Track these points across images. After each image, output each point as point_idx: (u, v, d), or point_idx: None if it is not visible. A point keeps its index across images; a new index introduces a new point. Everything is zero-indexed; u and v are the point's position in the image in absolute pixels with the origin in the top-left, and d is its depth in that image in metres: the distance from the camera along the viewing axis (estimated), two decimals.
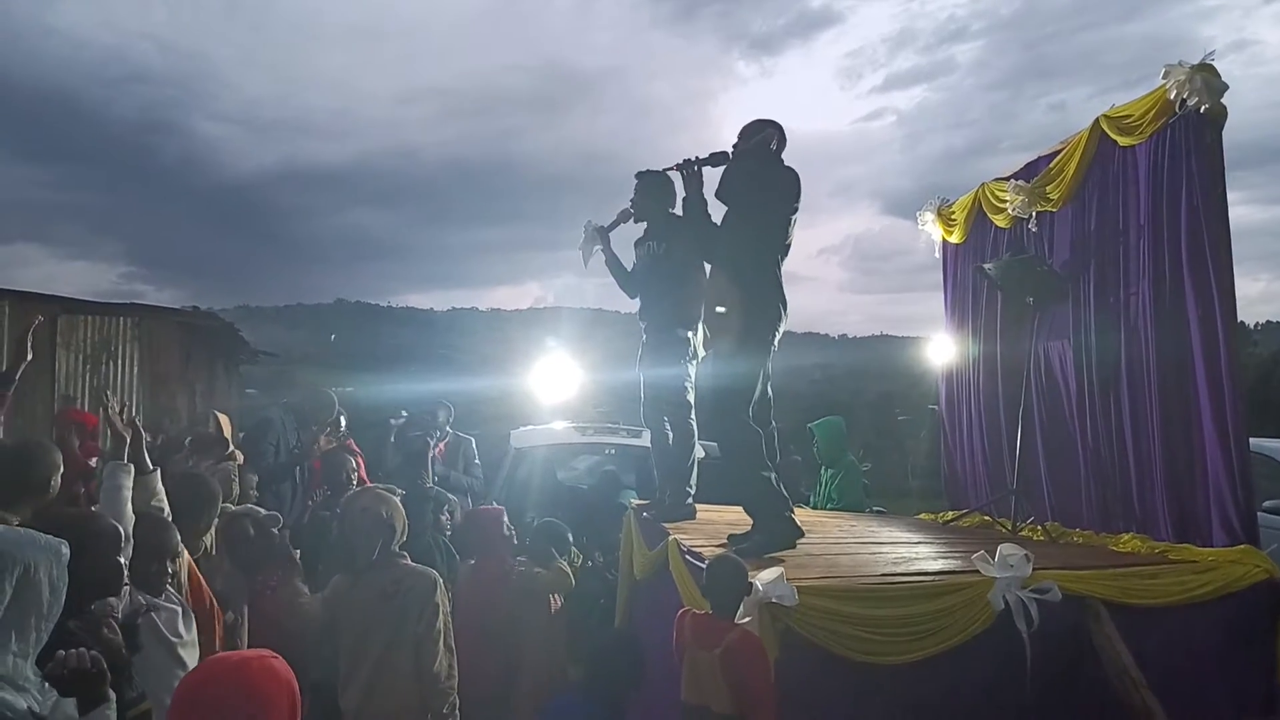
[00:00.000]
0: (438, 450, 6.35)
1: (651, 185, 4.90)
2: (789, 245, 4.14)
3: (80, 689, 1.85)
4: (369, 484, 4.72)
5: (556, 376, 8.56)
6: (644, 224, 4.99)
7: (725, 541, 3.94)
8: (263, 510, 3.99)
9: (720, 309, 4.11)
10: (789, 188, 4.11)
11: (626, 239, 5.06)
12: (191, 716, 1.73)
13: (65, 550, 1.98)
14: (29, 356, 4.11)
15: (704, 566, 3.31)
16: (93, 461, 5.93)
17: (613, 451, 7.42)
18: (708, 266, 4.57)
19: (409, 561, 3.68)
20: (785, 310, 4.08)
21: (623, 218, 5.01)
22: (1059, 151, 5.15)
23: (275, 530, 3.87)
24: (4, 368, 4.19)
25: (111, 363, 13.86)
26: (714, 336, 4.21)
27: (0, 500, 2.90)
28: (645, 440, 5.68)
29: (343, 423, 6.08)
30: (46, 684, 1.88)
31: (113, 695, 1.95)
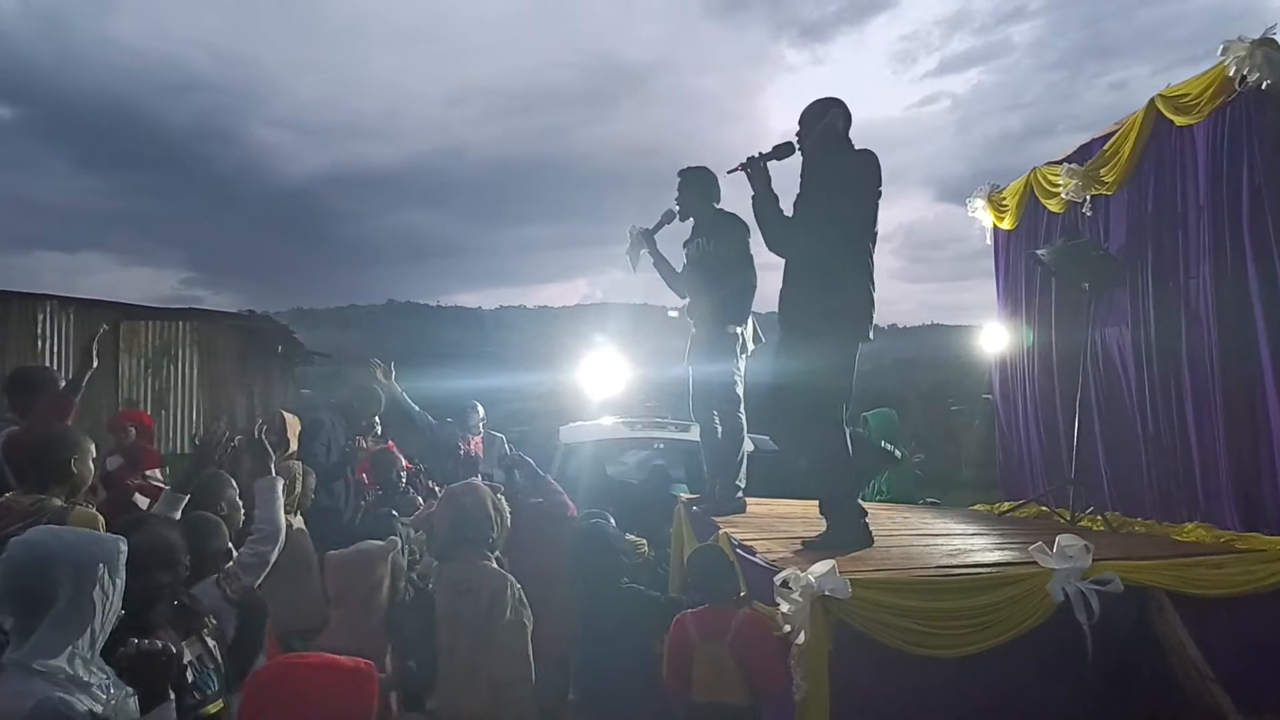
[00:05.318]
0: (475, 448, 6.43)
1: (694, 182, 4.89)
2: (877, 233, 3.95)
3: (148, 677, 1.91)
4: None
5: (605, 372, 8.61)
6: (689, 222, 4.98)
7: (792, 534, 3.94)
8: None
9: (808, 306, 3.90)
10: (871, 172, 3.89)
11: (675, 237, 5.06)
12: (263, 714, 1.77)
13: (124, 547, 2.05)
14: (94, 364, 4.24)
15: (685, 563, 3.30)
16: (154, 473, 6.12)
17: (661, 446, 7.44)
18: (772, 259, 4.41)
19: (489, 563, 3.59)
20: (873, 305, 3.91)
21: (667, 218, 5.00)
22: (1113, 133, 5.04)
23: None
24: (71, 375, 4.33)
25: (172, 366, 14.29)
26: (799, 335, 3.95)
27: (34, 484, 3.01)
28: (694, 435, 5.68)
29: (378, 424, 6.19)
30: (109, 683, 1.94)
31: (172, 695, 2.01)
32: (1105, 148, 5.08)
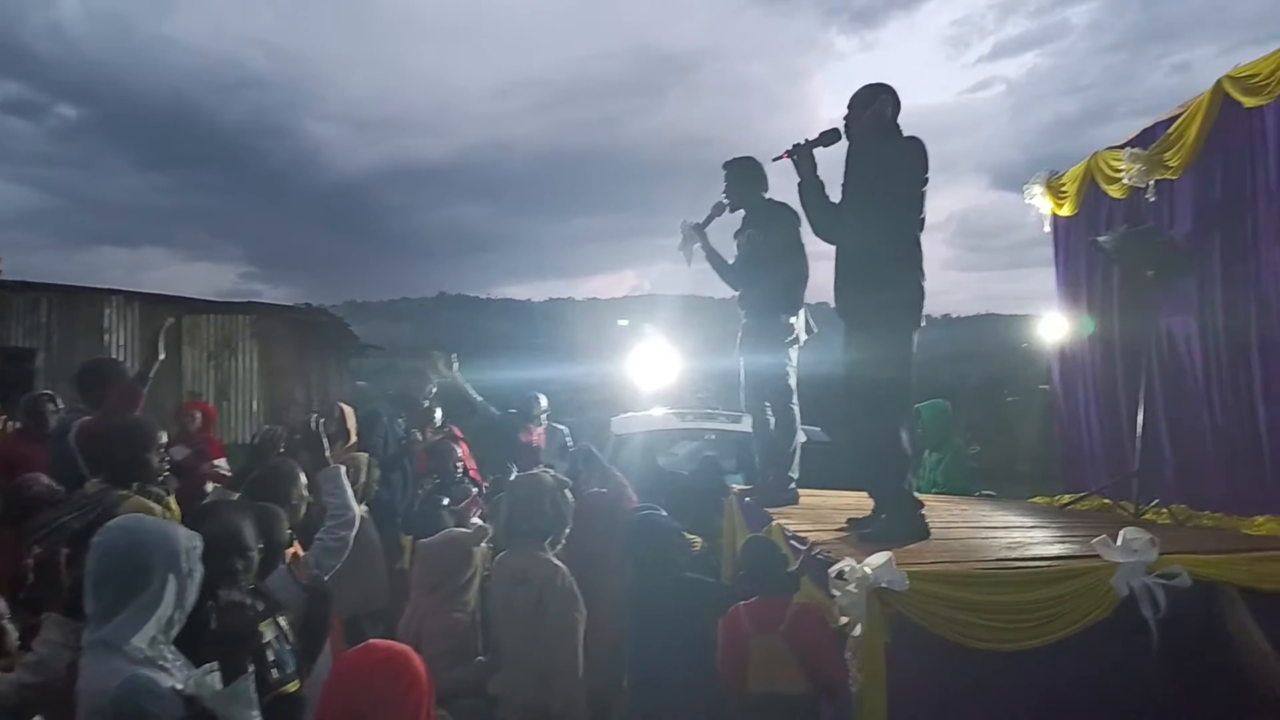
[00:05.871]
0: (538, 439, 6.49)
1: (742, 172, 4.87)
2: (924, 220, 3.91)
3: (234, 627, 1.98)
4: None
5: (655, 363, 8.62)
6: (740, 213, 4.95)
7: (845, 525, 3.92)
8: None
9: (864, 297, 3.88)
10: (917, 160, 3.85)
11: (726, 228, 5.04)
12: (344, 694, 1.83)
13: (199, 544, 2.12)
14: (161, 356, 4.36)
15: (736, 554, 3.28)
16: (220, 462, 6.31)
17: (712, 437, 7.45)
18: (824, 249, 4.40)
19: (545, 554, 3.62)
20: (924, 293, 3.87)
21: (717, 211, 4.98)
22: (1178, 116, 4.90)
23: None
24: (138, 367, 4.46)
25: (232, 359, 14.67)
26: (858, 326, 3.92)
27: (106, 474, 3.11)
28: (745, 425, 5.67)
29: (437, 415, 6.28)
30: (182, 664, 2.02)
31: (251, 667, 2.08)
32: (1170, 131, 4.94)
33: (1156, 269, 4.96)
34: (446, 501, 5.09)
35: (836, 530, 3.95)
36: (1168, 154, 4.93)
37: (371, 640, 2.02)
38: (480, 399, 6.54)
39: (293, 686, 2.48)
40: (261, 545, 2.61)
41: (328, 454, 3.44)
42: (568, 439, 6.73)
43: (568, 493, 3.80)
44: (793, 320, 4.74)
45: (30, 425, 5.24)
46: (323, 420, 3.52)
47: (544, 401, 6.86)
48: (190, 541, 2.09)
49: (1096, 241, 5.35)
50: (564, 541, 3.77)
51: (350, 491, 3.23)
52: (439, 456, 5.54)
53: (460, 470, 5.56)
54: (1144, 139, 5.20)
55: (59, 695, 2.10)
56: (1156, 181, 5.07)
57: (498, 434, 6.57)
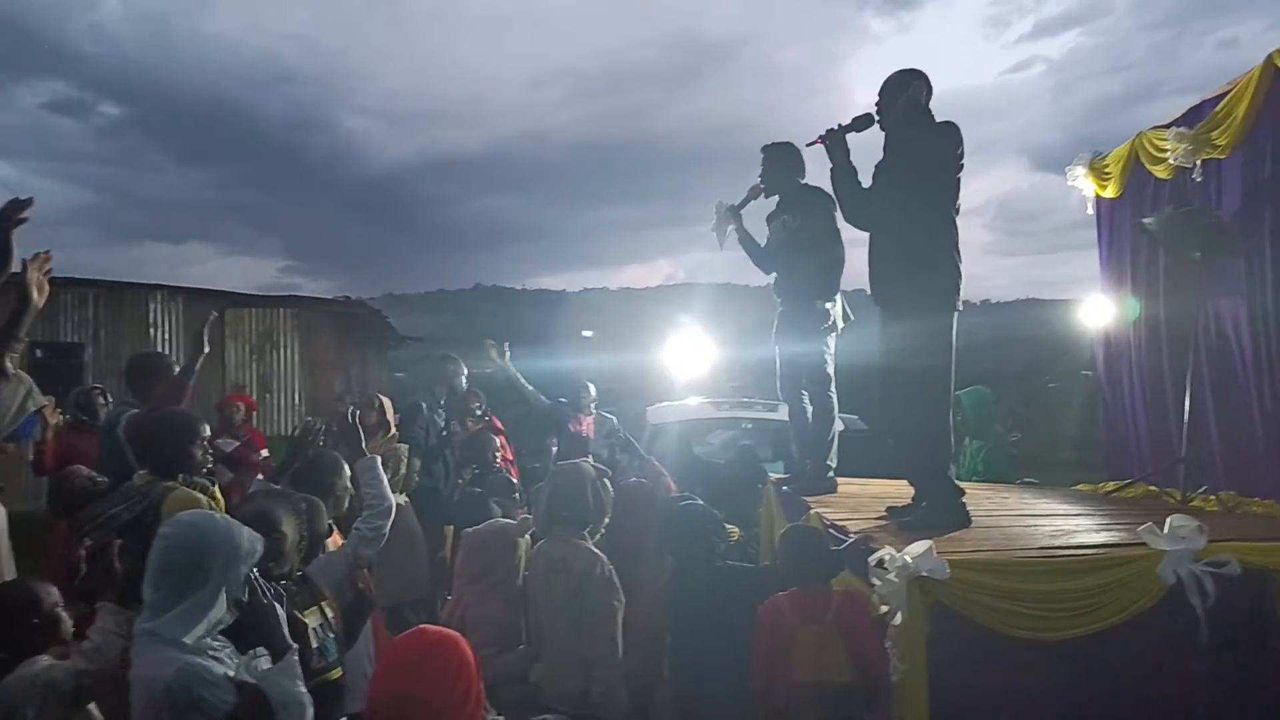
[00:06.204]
0: (587, 428, 6.51)
1: (779, 157, 4.84)
2: (960, 206, 3.90)
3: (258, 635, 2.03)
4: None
5: (690, 352, 8.61)
6: (775, 198, 4.93)
7: (884, 514, 3.90)
8: None
9: (901, 284, 3.87)
10: (953, 146, 3.83)
11: (758, 213, 5.02)
12: (395, 679, 1.86)
13: (260, 547, 2.17)
14: (206, 349, 4.44)
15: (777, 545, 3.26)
16: (263, 453, 6.43)
17: (749, 426, 7.43)
18: (860, 236, 4.39)
19: (584, 543, 3.66)
20: (961, 277, 3.86)
21: (753, 194, 4.96)
22: (1226, 94, 4.76)
23: None
24: (184, 361, 4.54)
25: (274, 351, 14.92)
26: (895, 314, 3.92)
27: (154, 466, 3.17)
28: (781, 414, 5.65)
29: (476, 407, 6.33)
30: (230, 651, 2.07)
31: (296, 646, 2.13)
32: (1217, 109, 4.80)
33: (1203, 251, 4.86)
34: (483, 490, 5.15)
35: (876, 519, 3.93)
36: (1215, 133, 4.80)
37: (422, 625, 2.05)
38: (531, 388, 6.57)
39: (335, 674, 2.53)
40: (304, 535, 2.65)
41: (364, 446, 3.48)
42: (617, 427, 6.75)
43: (607, 482, 3.81)
44: (829, 306, 4.71)
45: (81, 418, 5.37)
46: (359, 412, 3.56)
47: (593, 390, 6.87)
48: (252, 544, 2.13)
49: (1141, 223, 5.24)
50: (603, 531, 3.79)
51: (386, 482, 3.27)
52: (478, 446, 5.60)
53: (499, 461, 5.62)
54: (1190, 118, 5.07)
55: (113, 682, 2.16)
56: (1203, 161, 4.94)
57: (543, 423, 6.60)
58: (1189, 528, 3.13)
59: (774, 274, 4.94)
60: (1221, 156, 4.84)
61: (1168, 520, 3.20)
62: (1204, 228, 4.78)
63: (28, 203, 2.84)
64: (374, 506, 3.21)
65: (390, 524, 3.20)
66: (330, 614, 2.60)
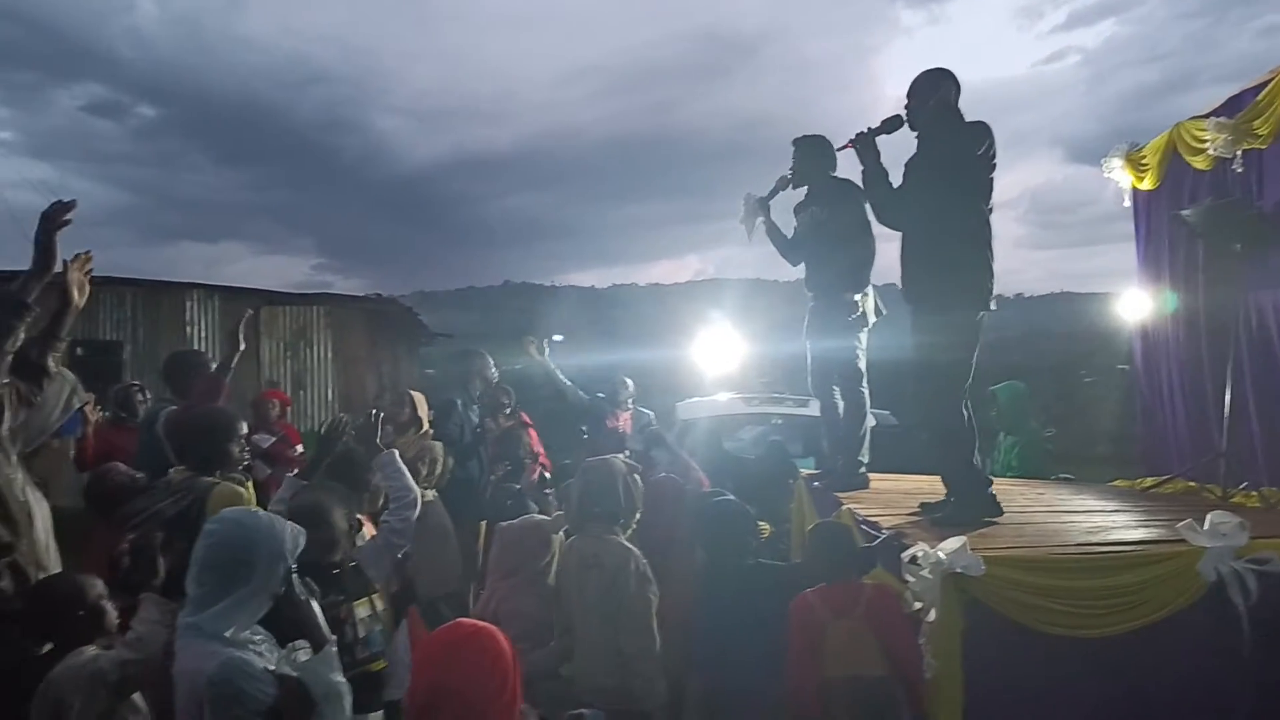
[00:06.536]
0: (624, 424, 6.51)
1: (810, 149, 4.82)
2: (992, 206, 3.88)
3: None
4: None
5: (720, 348, 8.60)
6: (803, 190, 4.92)
7: (917, 510, 3.88)
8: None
9: (932, 282, 3.86)
10: (986, 146, 3.80)
11: (785, 205, 5.01)
12: (433, 671, 1.89)
13: (302, 541, 2.20)
14: (242, 347, 4.50)
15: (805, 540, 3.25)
16: (299, 449, 6.50)
17: (779, 421, 7.41)
18: (891, 231, 4.36)
19: (617, 538, 3.66)
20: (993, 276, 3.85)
21: (781, 185, 4.94)
22: (1267, 82, 4.68)
23: None
24: (220, 358, 4.60)
25: (308, 349, 15.10)
26: (925, 311, 3.91)
27: (192, 463, 3.20)
28: (812, 410, 5.62)
29: (506, 404, 6.35)
30: (270, 644, 2.11)
31: (334, 637, 2.16)
32: (1259, 98, 4.72)
33: (1244, 242, 4.77)
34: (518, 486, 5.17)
35: (908, 514, 3.91)
36: (1256, 122, 4.72)
37: (459, 619, 2.08)
38: (569, 383, 6.58)
39: (378, 665, 2.57)
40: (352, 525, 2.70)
41: (380, 442, 3.48)
42: (653, 422, 6.74)
43: (638, 477, 3.82)
44: (859, 298, 4.68)
45: (120, 415, 5.47)
46: (381, 412, 3.58)
47: (631, 385, 6.87)
48: (295, 541, 2.16)
49: (1180, 215, 5.16)
50: (634, 526, 3.80)
51: (407, 473, 3.27)
52: (509, 443, 5.63)
53: (530, 457, 5.64)
54: (1230, 107, 4.99)
55: (157, 673, 2.20)
56: (1244, 151, 4.86)
57: (577, 419, 6.61)
58: (1230, 524, 3.08)
59: (801, 266, 4.93)
60: (1263, 146, 4.76)
61: (1208, 516, 3.15)
62: (1245, 219, 4.70)
63: (71, 205, 2.88)
64: (400, 499, 3.23)
65: (417, 514, 3.22)
66: (379, 605, 2.64)
